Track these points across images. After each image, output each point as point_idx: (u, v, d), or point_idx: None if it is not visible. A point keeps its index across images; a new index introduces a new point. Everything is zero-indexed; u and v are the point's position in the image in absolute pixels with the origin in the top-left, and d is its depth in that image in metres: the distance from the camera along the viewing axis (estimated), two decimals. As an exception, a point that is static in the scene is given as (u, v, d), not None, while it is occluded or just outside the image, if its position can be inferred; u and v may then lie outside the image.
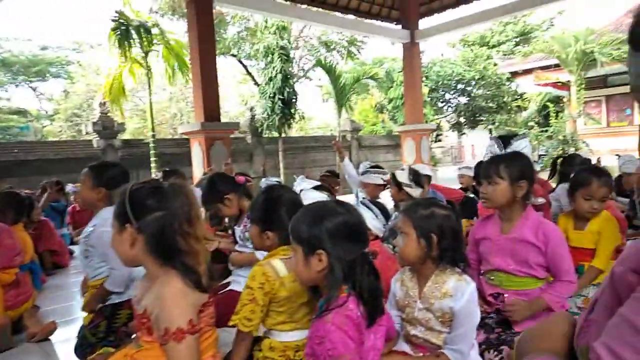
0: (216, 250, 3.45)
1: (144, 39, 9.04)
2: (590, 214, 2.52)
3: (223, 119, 7.38)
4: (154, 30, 9.55)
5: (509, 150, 2.14)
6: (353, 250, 1.39)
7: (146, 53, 9.45)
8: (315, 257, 1.40)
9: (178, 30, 13.01)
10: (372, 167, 4.19)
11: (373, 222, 2.35)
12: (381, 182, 3.93)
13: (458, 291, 1.65)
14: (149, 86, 9.83)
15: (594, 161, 4.21)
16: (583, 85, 14.70)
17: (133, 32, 8.77)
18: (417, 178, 3.56)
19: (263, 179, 4.43)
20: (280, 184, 2.19)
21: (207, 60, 7.01)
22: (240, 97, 23.75)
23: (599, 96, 17.14)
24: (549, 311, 1.98)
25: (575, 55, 14.09)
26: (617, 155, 5.43)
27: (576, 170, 2.74)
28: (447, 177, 10.90)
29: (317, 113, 27.15)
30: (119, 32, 8.47)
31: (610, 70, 15.07)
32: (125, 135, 22.66)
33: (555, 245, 2.00)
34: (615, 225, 2.58)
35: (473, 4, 9.65)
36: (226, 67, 21.16)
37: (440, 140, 23.05)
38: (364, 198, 2.44)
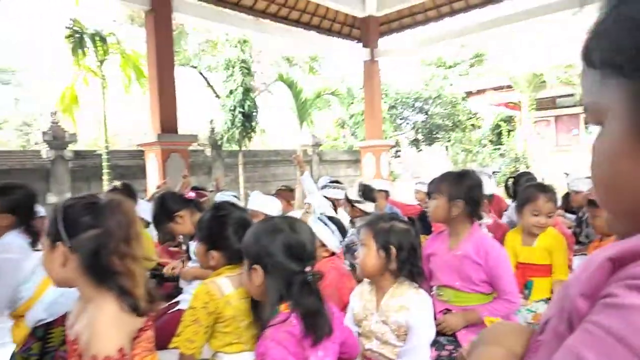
0: (164, 267, 3.33)
1: (99, 48, 8.77)
2: (538, 229, 2.59)
3: (182, 131, 7.23)
4: (111, 39, 9.30)
5: None
6: (290, 268, 1.39)
7: (101, 62, 9.17)
8: (254, 272, 1.43)
9: (137, 40, 12.74)
10: (331, 182, 4.19)
11: (330, 238, 2.33)
12: (340, 196, 3.94)
13: (414, 305, 1.69)
14: (104, 96, 9.52)
15: (541, 179, 4.36)
16: (533, 106, 15.40)
17: (88, 40, 8.50)
18: (368, 193, 3.61)
19: (218, 194, 4.35)
20: (229, 202, 2.15)
21: (165, 70, 6.88)
22: (201, 109, 23.41)
23: (549, 116, 18.02)
24: (484, 325, 2.01)
25: (525, 77, 14.77)
26: (565, 173, 5.68)
27: (523, 187, 2.83)
28: (406, 192, 11.09)
29: (279, 127, 27.12)
30: (73, 40, 8.17)
31: (559, 92, 15.88)
32: (80, 146, 21.73)
33: (493, 263, 2.03)
34: (563, 241, 2.67)
35: (430, 25, 10.00)
36: (187, 79, 20.84)
37: (399, 156, 23.48)
38: (321, 214, 2.43)
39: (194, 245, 2.77)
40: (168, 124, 6.81)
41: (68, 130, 9.63)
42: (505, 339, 0.61)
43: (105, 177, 9.42)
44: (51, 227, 1.27)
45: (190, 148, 10.78)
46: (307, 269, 1.39)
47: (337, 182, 4.31)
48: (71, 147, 9.82)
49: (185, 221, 2.78)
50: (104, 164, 9.39)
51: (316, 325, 1.36)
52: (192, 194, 2.89)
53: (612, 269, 0.37)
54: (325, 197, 3.78)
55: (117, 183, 4.20)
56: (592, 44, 0.43)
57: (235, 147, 11.66)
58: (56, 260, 1.25)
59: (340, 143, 19.87)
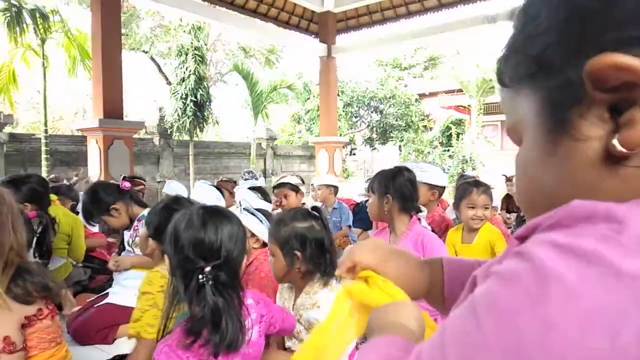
0: (99, 259, 3.17)
1: (40, 26, 8.20)
2: (477, 222, 2.66)
3: (133, 118, 6.95)
4: (55, 17, 8.72)
5: None
6: (187, 266, 1.27)
7: (42, 41, 8.58)
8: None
9: (86, 21, 12.09)
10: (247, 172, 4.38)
11: (257, 226, 2.29)
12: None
13: (325, 302, 1.66)
14: (44, 76, 8.92)
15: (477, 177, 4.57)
16: (482, 110, 15.97)
17: (27, 15, 7.93)
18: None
19: (168, 181, 4.22)
20: (187, 199, 2.08)
21: (111, 52, 6.53)
22: (151, 96, 22.62)
23: (496, 121, 18.76)
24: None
25: (475, 82, 15.29)
26: (504, 175, 5.89)
27: (458, 185, 2.93)
28: (359, 189, 11.19)
29: (235, 119, 26.66)
30: (8, 14, 7.59)
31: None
32: (19, 129, 20.39)
33: (431, 254, 2.06)
34: (500, 233, 2.76)
35: (387, 25, 10.12)
36: (137, 64, 20.05)
37: (354, 154, 23.71)
38: (247, 205, 2.38)
39: (127, 235, 2.63)
40: (112, 109, 6.48)
41: (3, 112, 9.00)
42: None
43: (44, 163, 8.88)
44: None
45: (139, 136, 10.39)
46: (208, 269, 1.25)
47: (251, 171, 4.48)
48: (7, 129, 9.19)
49: (122, 213, 2.63)
50: (43, 148, 8.84)
51: (214, 335, 1.23)
52: (127, 184, 2.72)
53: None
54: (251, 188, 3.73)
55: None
56: (502, 66, 0.44)
57: (186, 137, 11.30)
58: None
59: (295, 138, 19.80)
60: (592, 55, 0.32)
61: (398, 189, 2.12)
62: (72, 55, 9.43)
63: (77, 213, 3.33)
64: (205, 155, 12.55)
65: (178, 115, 10.69)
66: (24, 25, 7.97)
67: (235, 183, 4.28)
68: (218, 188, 3.51)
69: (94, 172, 6.56)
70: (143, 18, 15.56)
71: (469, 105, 16.51)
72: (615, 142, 0.33)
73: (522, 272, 0.29)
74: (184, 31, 10.73)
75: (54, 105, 21.74)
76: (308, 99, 17.44)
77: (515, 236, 0.36)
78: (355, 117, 19.89)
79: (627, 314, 0.25)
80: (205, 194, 3.15)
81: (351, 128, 19.71)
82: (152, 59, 16.83)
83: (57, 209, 3.00)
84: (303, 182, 3.91)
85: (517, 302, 0.28)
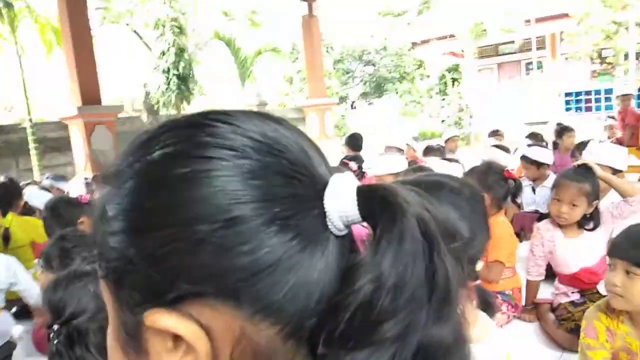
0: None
1: (6, 15, 7.96)
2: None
3: (117, 96, 6.84)
4: (20, 4, 8.44)
5: None
6: None
7: (12, 27, 8.35)
8: None
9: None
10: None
11: None
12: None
13: None
14: (20, 64, 8.75)
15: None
16: (476, 54, 15.55)
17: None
18: None
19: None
20: None
21: (80, 35, 6.32)
22: (137, 70, 22.17)
23: (492, 64, 18.37)
24: None
25: (468, 25, 14.80)
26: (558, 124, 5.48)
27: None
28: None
29: (219, 86, 26.17)
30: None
31: (501, 40, 16.09)
32: (11, 119, 20.22)
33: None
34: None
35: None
36: (122, 38, 19.49)
37: (355, 108, 23.38)
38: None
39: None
40: (90, 94, 6.36)
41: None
42: None
43: (33, 152, 8.85)
44: None
45: (125, 115, 10.27)
46: None
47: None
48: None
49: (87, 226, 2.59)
50: (30, 137, 8.79)
51: None
52: (85, 197, 2.64)
53: None
54: None
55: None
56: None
57: (173, 112, 11.17)
58: None
59: (288, 100, 19.49)
60: (152, 304, 0.32)
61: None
62: (47, 40, 9.19)
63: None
64: (197, 128, 12.43)
65: (162, 90, 10.51)
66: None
67: None
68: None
69: (80, 158, 6.53)
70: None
71: (462, 50, 16.06)
72: None
73: None
74: (159, 1, 10.35)
75: (37, 91, 21.42)
76: (297, 58, 17.02)
77: None
78: (347, 73, 19.44)
79: None
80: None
81: (344, 85, 19.32)
82: (135, 31, 16.33)
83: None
84: None
85: None
